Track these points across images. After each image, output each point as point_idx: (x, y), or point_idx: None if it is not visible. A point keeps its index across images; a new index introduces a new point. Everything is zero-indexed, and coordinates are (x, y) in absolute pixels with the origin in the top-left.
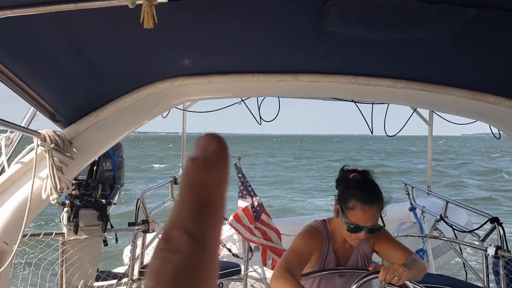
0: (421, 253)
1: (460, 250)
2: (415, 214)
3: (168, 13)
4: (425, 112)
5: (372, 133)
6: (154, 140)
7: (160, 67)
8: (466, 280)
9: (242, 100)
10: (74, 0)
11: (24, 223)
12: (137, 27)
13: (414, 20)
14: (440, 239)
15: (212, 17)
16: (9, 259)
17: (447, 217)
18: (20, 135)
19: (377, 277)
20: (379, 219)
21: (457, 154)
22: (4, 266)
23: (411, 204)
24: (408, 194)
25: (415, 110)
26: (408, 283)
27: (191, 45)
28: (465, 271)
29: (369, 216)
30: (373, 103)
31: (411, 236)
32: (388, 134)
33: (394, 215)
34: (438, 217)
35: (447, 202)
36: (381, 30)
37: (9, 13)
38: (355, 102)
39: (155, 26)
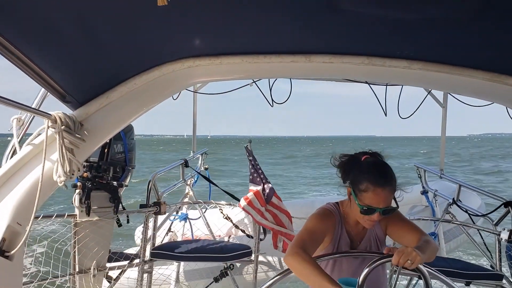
0: (433, 236)
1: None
2: (427, 198)
3: None
4: (439, 95)
5: (386, 115)
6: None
7: (171, 48)
8: (477, 264)
9: (254, 82)
10: None
11: (36, 204)
12: (148, 7)
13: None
14: (452, 223)
15: None
16: (23, 240)
17: (460, 200)
18: (32, 117)
19: (390, 261)
20: (393, 200)
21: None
22: (18, 246)
23: (423, 187)
24: (420, 177)
25: (429, 92)
26: (421, 267)
27: (202, 25)
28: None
29: (382, 198)
30: (387, 85)
31: (422, 219)
32: (402, 117)
33: (406, 198)
34: (451, 200)
35: (460, 185)
36: (395, 9)
37: None
38: (368, 84)
39: (165, 6)
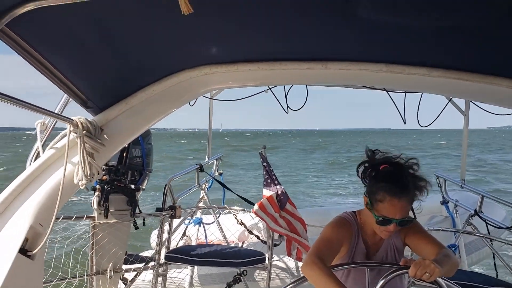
0: (453, 248)
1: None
2: (447, 208)
3: (196, 1)
4: (460, 103)
5: (404, 122)
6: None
7: (188, 56)
8: (497, 277)
9: (269, 88)
10: None
11: (57, 206)
12: (166, 15)
13: (450, 5)
14: (474, 234)
15: (240, 4)
16: (44, 240)
17: (482, 212)
18: (54, 122)
19: (406, 273)
20: (410, 211)
21: None
22: (40, 246)
23: (443, 197)
24: (440, 187)
25: (450, 100)
26: (440, 280)
27: (219, 33)
28: (495, 267)
29: (398, 209)
30: (406, 92)
31: (442, 230)
32: (422, 125)
33: (425, 208)
34: (473, 211)
35: (483, 196)
36: (414, 16)
37: (44, 3)
38: (387, 91)
39: (182, 16)
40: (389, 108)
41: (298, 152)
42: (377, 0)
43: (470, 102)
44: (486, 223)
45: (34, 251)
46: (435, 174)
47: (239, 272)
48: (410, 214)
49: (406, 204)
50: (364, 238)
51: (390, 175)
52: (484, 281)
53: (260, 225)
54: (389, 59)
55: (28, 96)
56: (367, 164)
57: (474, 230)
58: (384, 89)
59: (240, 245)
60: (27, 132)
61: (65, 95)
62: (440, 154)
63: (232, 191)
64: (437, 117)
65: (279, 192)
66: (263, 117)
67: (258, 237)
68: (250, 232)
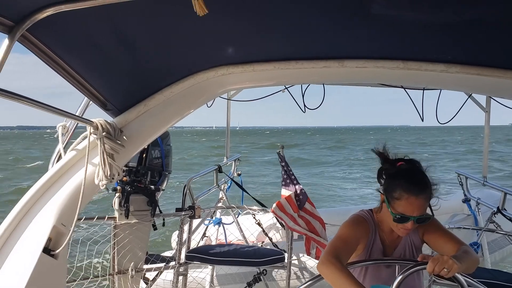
0: (475, 246)
1: None
2: (469, 206)
3: (211, 2)
4: (481, 98)
5: (422, 120)
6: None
7: (205, 57)
8: None
9: (286, 88)
10: None
11: (78, 206)
12: (182, 17)
13: (466, 0)
14: (496, 232)
15: (255, 4)
16: (66, 240)
17: (505, 209)
18: (75, 124)
19: (424, 268)
20: (428, 208)
21: None
22: (62, 246)
23: (465, 195)
24: (462, 185)
25: (470, 96)
26: (459, 276)
27: (234, 34)
28: None
29: (416, 206)
30: (424, 89)
31: (464, 228)
32: (440, 122)
33: (446, 207)
34: (495, 209)
35: (506, 193)
36: (431, 12)
37: (63, 8)
38: (404, 88)
39: (198, 17)
40: (408, 105)
41: (324, 149)
42: None
43: (491, 98)
44: (510, 221)
45: (57, 251)
46: (456, 172)
47: (259, 272)
48: (428, 211)
49: (424, 201)
50: (381, 236)
51: (407, 172)
52: (509, 279)
53: (278, 225)
54: (406, 56)
55: (52, 95)
56: (382, 162)
57: (497, 228)
58: (402, 86)
59: (259, 245)
60: (48, 130)
61: (85, 98)
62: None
63: (248, 194)
64: (456, 113)
65: (298, 192)
66: (280, 114)
67: (271, 239)
68: (266, 234)
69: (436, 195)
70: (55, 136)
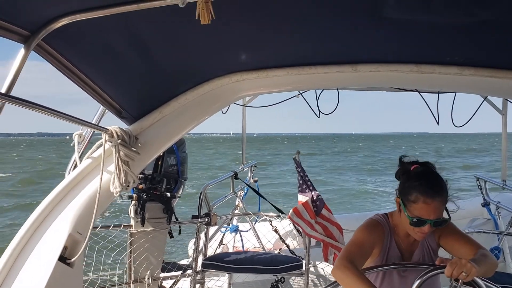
0: (496, 251)
1: None
2: (489, 210)
3: (224, 9)
4: (498, 101)
5: (438, 123)
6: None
7: (219, 63)
8: None
9: (300, 93)
10: (135, 1)
11: (94, 214)
12: (196, 25)
13: (480, 1)
14: None
15: (267, 10)
16: (82, 248)
17: None
18: (91, 132)
19: (442, 272)
20: (444, 211)
21: None
22: (78, 254)
23: (485, 199)
24: (481, 189)
25: (485, 98)
26: (478, 280)
27: (248, 40)
28: None
29: (432, 209)
30: (438, 93)
31: (484, 232)
32: (456, 125)
33: (466, 211)
34: None
35: None
36: (444, 14)
37: (78, 17)
38: (419, 92)
39: (212, 23)
40: (423, 110)
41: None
42: (405, 0)
43: (507, 101)
44: None
45: (73, 259)
46: (475, 176)
47: (276, 279)
48: (445, 214)
49: (440, 204)
50: (397, 241)
51: (423, 175)
52: None
53: (295, 231)
54: (419, 59)
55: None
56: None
57: None
58: (416, 90)
59: (276, 252)
60: (67, 137)
61: (101, 106)
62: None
63: (266, 199)
64: (472, 116)
65: (315, 198)
66: (297, 120)
67: (288, 246)
68: (283, 241)
69: (452, 199)
70: (71, 144)
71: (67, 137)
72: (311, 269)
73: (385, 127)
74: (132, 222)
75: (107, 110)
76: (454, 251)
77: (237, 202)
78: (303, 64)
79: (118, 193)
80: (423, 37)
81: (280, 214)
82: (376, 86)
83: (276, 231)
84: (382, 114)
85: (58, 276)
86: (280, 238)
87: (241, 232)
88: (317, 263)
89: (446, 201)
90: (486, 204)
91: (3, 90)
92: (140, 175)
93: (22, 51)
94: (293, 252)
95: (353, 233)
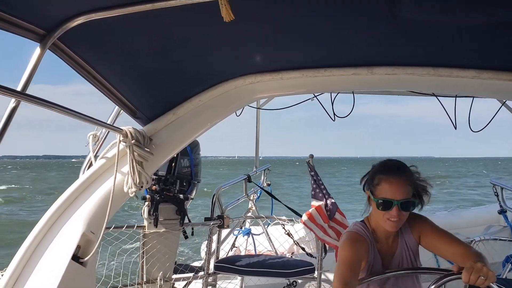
0: None
1: None
2: (505, 217)
3: (239, 11)
4: None
5: (455, 128)
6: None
7: (233, 65)
8: None
9: (315, 96)
10: (151, 0)
11: (107, 214)
12: (212, 26)
13: (498, 1)
14: None
15: (282, 12)
16: (95, 247)
17: None
18: (106, 133)
19: (460, 278)
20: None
21: None
22: (91, 253)
23: (501, 206)
24: (497, 196)
25: (504, 103)
26: (494, 286)
27: (262, 42)
28: None
29: (395, 187)
30: (456, 96)
31: (500, 240)
32: (473, 130)
33: (481, 218)
34: None
35: None
36: (462, 15)
37: (93, 16)
38: (436, 96)
39: (227, 25)
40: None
41: None
42: (422, 1)
43: None
44: None
45: (86, 258)
46: (491, 182)
47: (288, 283)
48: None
49: (403, 183)
50: (379, 248)
51: (384, 160)
52: None
53: (308, 237)
54: (436, 62)
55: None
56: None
57: None
58: (433, 94)
59: (288, 255)
60: (73, 160)
61: (116, 107)
62: None
63: (280, 201)
64: (490, 121)
65: (328, 202)
66: (302, 144)
67: (303, 249)
68: (297, 244)
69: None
70: (86, 145)
71: (74, 160)
72: (324, 273)
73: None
74: (145, 223)
75: (122, 110)
76: (439, 249)
77: (249, 205)
78: (318, 66)
79: (133, 193)
80: (440, 39)
81: (293, 218)
82: (392, 89)
83: (289, 234)
84: (385, 138)
85: (71, 275)
86: (294, 241)
87: (254, 235)
88: (329, 267)
89: (413, 183)
90: (502, 211)
91: (19, 88)
92: (154, 176)
93: (37, 50)
94: (311, 255)
95: (339, 251)
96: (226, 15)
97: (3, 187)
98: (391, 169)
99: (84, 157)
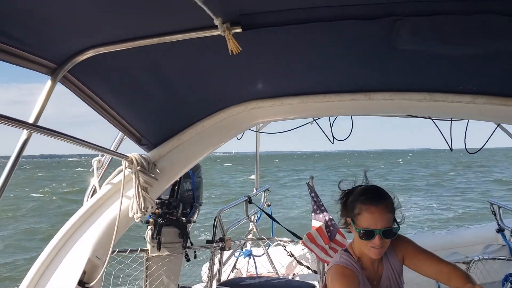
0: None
1: None
2: (504, 236)
3: (242, 42)
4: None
5: (451, 150)
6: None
7: (235, 92)
8: None
9: (314, 120)
10: (158, 34)
11: (113, 239)
12: (214, 56)
13: (491, 33)
14: None
15: (283, 42)
16: (101, 272)
17: None
18: (110, 159)
19: None
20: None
21: None
22: (97, 278)
23: (499, 225)
24: (495, 214)
25: (498, 125)
26: None
27: (264, 70)
28: None
29: (377, 217)
30: (451, 120)
31: (499, 259)
32: (469, 151)
33: (479, 237)
34: None
35: None
36: (456, 45)
37: (102, 50)
38: (432, 119)
39: (230, 56)
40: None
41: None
42: (418, 33)
43: None
44: None
45: (92, 283)
46: (489, 201)
47: None
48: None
49: (385, 211)
50: (366, 274)
51: (364, 188)
52: None
53: (308, 255)
54: (432, 88)
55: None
56: (344, 198)
57: None
58: (429, 117)
59: (290, 277)
60: (70, 159)
61: (120, 133)
62: None
63: (280, 224)
64: (485, 143)
65: (329, 223)
66: (293, 138)
67: (308, 267)
68: (300, 263)
69: (399, 210)
70: (91, 170)
71: (70, 159)
72: None
73: (383, 144)
74: (148, 246)
75: (125, 137)
76: (422, 269)
77: (250, 227)
78: (318, 92)
79: (139, 218)
80: (436, 66)
81: (294, 239)
82: (389, 114)
83: (291, 255)
84: (383, 132)
85: None
86: (298, 262)
87: (255, 257)
88: None
89: (393, 210)
90: (500, 230)
91: (31, 121)
92: (157, 200)
93: (49, 83)
94: (315, 271)
95: None
96: (233, 47)
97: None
98: (371, 198)
99: (81, 156)
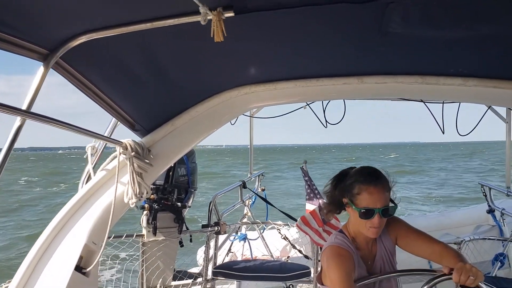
0: (501, 257)
1: None
2: (494, 217)
3: (235, 26)
4: (501, 110)
5: (443, 133)
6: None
7: (228, 77)
8: None
9: (307, 104)
10: (150, 19)
11: (109, 225)
12: (207, 41)
13: (482, 15)
14: None
15: (276, 26)
16: (97, 257)
17: None
18: (104, 145)
19: (450, 279)
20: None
21: None
22: (94, 263)
23: (489, 206)
24: (485, 196)
25: (489, 107)
26: (483, 286)
27: (257, 54)
28: None
29: (376, 196)
30: (443, 102)
31: (489, 239)
32: (461, 134)
33: (470, 218)
34: None
35: None
36: (447, 28)
37: (94, 35)
38: (424, 102)
39: (222, 41)
40: (426, 119)
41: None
42: (409, 16)
43: (511, 110)
44: None
45: (89, 269)
46: (480, 183)
47: (285, 287)
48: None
49: (383, 191)
50: (361, 254)
51: (362, 168)
52: None
53: (303, 240)
54: (424, 71)
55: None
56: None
57: None
58: (421, 100)
59: (284, 259)
60: (60, 152)
61: (113, 119)
62: None
63: (275, 207)
64: (476, 125)
65: (322, 206)
66: (299, 131)
67: (301, 251)
68: (294, 247)
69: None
70: (84, 156)
71: (60, 151)
72: None
73: (378, 137)
74: (144, 231)
75: (119, 123)
76: (415, 249)
77: (245, 211)
78: (310, 76)
79: (134, 203)
80: (428, 50)
81: (288, 222)
82: (382, 97)
83: (285, 238)
84: (376, 124)
85: (75, 285)
86: (292, 245)
87: (250, 240)
88: None
89: (389, 189)
90: (491, 211)
91: (24, 107)
92: (152, 186)
93: (41, 69)
94: (307, 257)
95: (328, 270)
96: (217, 35)
97: None
98: (370, 178)
99: (70, 148)
